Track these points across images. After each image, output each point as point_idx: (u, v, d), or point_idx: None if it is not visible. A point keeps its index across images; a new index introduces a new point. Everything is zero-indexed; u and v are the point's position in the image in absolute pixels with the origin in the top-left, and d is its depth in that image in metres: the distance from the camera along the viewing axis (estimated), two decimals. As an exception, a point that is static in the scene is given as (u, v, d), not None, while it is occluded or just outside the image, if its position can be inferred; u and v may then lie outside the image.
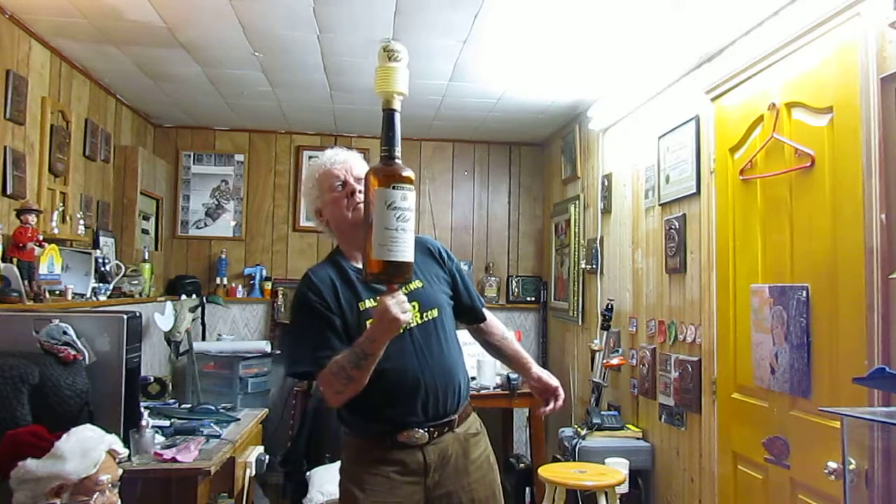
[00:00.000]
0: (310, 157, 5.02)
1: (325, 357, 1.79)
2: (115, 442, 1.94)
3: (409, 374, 1.86)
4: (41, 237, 2.96)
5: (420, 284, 1.93)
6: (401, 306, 1.66)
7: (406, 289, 1.89)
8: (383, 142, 1.67)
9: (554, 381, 2.06)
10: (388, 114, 1.67)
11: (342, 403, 1.83)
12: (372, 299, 1.88)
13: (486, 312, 2.16)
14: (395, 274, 1.64)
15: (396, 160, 1.66)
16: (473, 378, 4.38)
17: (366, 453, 1.90)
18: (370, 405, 1.85)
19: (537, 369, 2.11)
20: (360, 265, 1.93)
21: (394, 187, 1.61)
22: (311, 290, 1.88)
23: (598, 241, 4.22)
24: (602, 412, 3.71)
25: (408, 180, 1.64)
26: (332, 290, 1.88)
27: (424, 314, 1.91)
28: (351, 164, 1.97)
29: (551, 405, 2.05)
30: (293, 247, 5.24)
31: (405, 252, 1.62)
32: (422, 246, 1.98)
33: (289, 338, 1.99)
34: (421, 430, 1.88)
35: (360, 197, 1.92)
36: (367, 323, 1.84)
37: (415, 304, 1.85)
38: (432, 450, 1.89)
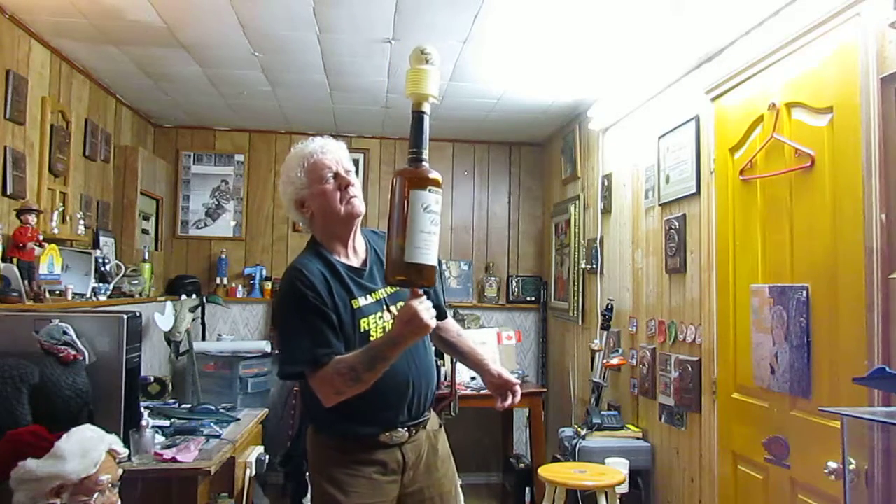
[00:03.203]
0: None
1: (325, 355, 1.74)
2: (115, 442, 1.94)
3: (401, 376, 1.84)
4: (41, 237, 2.96)
5: None
6: (429, 311, 1.65)
7: (393, 288, 1.88)
8: (412, 143, 1.64)
9: (513, 379, 2.03)
10: (418, 116, 1.64)
11: (335, 403, 1.76)
12: (363, 298, 1.86)
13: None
14: (424, 277, 1.61)
15: (425, 162, 1.64)
16: (473, 378, 4.37)
17: (344, 454, 1.85)
18: (360, 406, 1.79)
19: (496, 366, 2.08)
20: (344, 260, 1.91)
21: (430, 190, 1.60)
22: (303, 285, 1.79)
23: (598, 241, 4.22)
24: (602, 412, 3.71)
25: (439, 183, 1.63)
26: (325, 285, 1.81)
27: None
28: (341, 155, 1.93)
29: (509, 400, 2.02)
30: (293, 247, 5.23)
31: (434, 255, 1.61)
32: None
33: (280, 336, 1.92)
34: (402, 430, 1.88)
35: (353, 191, 1.90)
36: (361, 322, 1.83)
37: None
38: (410, 448, 1.90)
